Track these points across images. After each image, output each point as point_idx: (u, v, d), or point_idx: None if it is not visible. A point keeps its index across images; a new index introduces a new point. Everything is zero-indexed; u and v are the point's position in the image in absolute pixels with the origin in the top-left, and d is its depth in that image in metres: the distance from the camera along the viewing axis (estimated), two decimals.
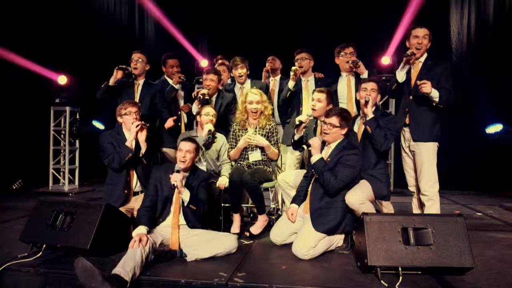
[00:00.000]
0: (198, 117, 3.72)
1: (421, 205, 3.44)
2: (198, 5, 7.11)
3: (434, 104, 3.27)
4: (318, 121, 3.51)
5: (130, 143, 3.17)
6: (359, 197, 2.92)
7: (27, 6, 5.74)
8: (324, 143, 3.13)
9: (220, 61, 4.86)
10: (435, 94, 3.22)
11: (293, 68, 3.94)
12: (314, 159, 3.00)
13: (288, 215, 3.11)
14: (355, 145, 3.14)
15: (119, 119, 3.35)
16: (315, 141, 3.06)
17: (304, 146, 3.23)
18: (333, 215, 2.93)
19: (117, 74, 3.86)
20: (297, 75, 3.95)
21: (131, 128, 3.20)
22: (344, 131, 3.05)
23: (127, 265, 2.33)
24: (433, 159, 3.35)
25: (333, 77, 4.03)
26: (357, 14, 6.45)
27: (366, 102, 3.15)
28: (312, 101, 3.49)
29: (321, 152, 3.05)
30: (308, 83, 4.14)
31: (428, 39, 3.39)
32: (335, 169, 2.94)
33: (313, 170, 3.04)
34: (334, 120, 3.01)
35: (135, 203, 3.19)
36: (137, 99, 3.97)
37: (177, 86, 4.12)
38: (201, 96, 3.79)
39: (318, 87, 3.80)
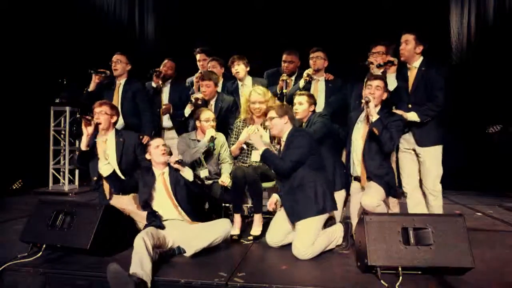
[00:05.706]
0: (197, 122, 3.65)
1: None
2: (197, 5, 7.12)
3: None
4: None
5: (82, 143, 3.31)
6: (376, 200, 2.93)
7: (27, 5, 5.73)
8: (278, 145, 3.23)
9: (199, 56, 4.66)
10: (414, 118, 3.18)
11: (307, 71, 3.90)
12: (259, 152, 3.05)
13: (271, 206, 3.05)
14: (302, 129, 3.19)
15: None
16: (253, 137, 3.09)
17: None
18: (303, 199, 2.90)
19: (95, 79, 3.89)
20: (310, 78, 3.92)
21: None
22: (285, 120, 3.07)
23: (146, 267, 2.33)
24: (439, 162, 3.31)
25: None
26: (357, 14, 6.45)
27: (367, 103, 3.06)
28: (295, 106, 3.46)
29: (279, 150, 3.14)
30: (319, 83, 4.03)
31: (411, 44, 3.25)
32: (284, 154, 2.98)
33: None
34: (272, 113, 3.08)
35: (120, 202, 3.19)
36: (117, 101, 3.95)
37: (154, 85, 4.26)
38: (194, 100, 3.77)
39: (328, 89, 3.75)
